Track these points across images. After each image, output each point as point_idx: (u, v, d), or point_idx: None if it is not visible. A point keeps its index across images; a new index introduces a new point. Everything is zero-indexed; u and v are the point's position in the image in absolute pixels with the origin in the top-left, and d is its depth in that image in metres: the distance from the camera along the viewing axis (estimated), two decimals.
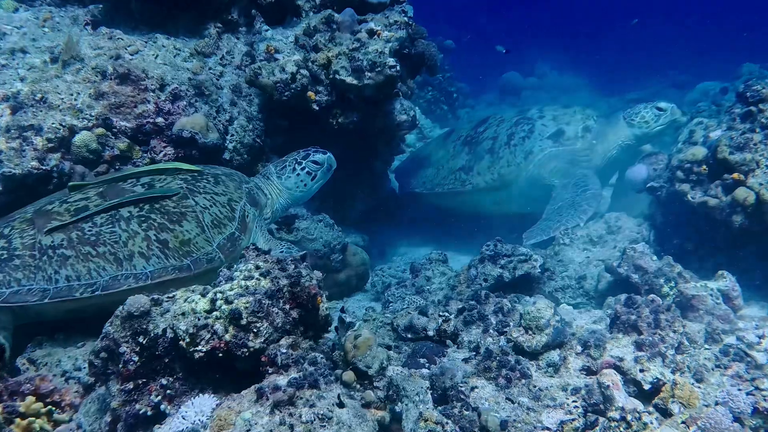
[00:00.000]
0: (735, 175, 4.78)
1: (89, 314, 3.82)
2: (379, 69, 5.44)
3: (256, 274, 3.19)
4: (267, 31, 5.87)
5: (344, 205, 7.05)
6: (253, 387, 2.89)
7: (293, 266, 3.31)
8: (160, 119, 5.04)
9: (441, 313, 3.96)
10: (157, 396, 3.06)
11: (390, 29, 5.65)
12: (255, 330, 3.03)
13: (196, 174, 4.46)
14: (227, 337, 3.01)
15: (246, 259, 3.41)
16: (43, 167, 4.65)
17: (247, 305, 3.04)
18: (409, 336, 3.99)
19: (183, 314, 3.07)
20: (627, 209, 6.47)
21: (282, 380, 2.89)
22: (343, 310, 3.40)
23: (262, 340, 3.04)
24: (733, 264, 5.20)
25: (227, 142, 5.44)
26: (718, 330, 4.05)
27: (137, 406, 3.03)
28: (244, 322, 3.02)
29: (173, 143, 5.07)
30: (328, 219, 6.19)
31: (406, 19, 5.92)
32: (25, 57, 5.07)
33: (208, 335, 3.01)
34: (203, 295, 3.13)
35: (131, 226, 3.93)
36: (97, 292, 3.71)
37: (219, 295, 3.09)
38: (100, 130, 4.84)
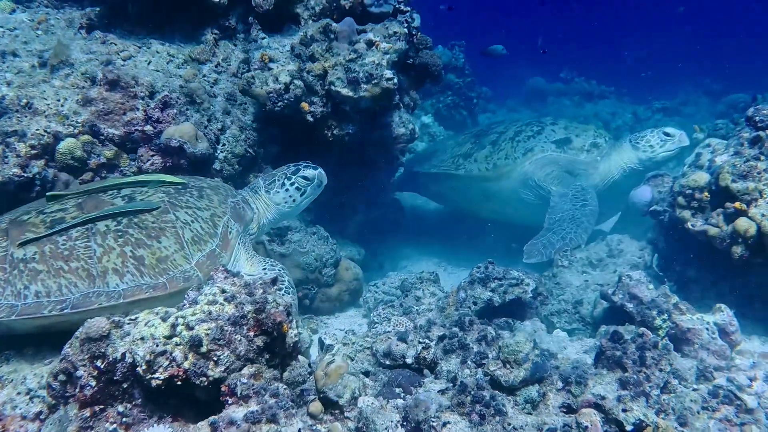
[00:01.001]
0: (737, 204, 4.59)
1: (62, 330, 3.72)
2: (375, 81, 5.30)
3: (221, 299, 3.07)
4: (263, 39, 5.75)
5: (342, 217, 6.92)
6: (207, 420, 2.77)
7: (261, 290, 3.18)
8: (148, 127, 4.95)
9: (421, 340, 3.82)
10: (112, 424, 2.94)
11: (389, 40, 5.52)
12: (215, 358, 2.90)
13: (179, 187, 4.35)
14: (186, 364, 2.89)
15: (213, 281, 3.29)
16: (25, 174, 4.57)
17: (209, 332, 2.91)
18: (388, 363, 3.85)
19: (142, 339, 2.95)
20: (633, 232, 6.32)
21: (239, 414, 2.76)
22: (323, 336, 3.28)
23: (223, 369, 2.92)
24: (736, 294, 5.02)
25: (218, 151, 5.34)
26: (710, 368, 3.87)
27: None
28: (204, 349, 2.89)
29: (161, 152, 4.97)
30: (322, 231, 6.07)
31: (406, 30, 5.78)
32: (15, 60, 4.99)
33: (167, 362, 2.89)
34: (164, 320, 3.01)
35: (107, 241, 3.83)
36: (66, 310, 3.60)
37: (180, 320, 2.97)
38: (85, 137, 4.76)
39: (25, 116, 4.68)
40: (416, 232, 9.03)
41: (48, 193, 4.12)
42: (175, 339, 2.93)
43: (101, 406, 2.99)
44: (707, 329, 4.19)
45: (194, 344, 2.89)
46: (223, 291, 3.13)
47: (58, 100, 4.80)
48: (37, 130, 4.63)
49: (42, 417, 3.41)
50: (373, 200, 7.24)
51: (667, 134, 6.72)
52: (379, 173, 6.78)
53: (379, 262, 7.76)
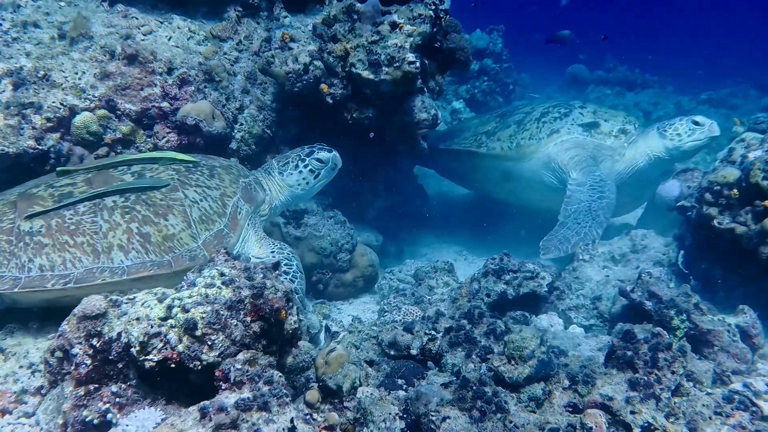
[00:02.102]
0: (766, 203, 4.40)
1: (68, 305, 3.70)
2: (397, 64, 5.18)
3: (218, 282, 3.00)
4: (286, 17, 5.66)
5: (362, 202, 6.82)
6: (198, 405, 2.71)
7: (261, 275, 3.11)
8: (165, 104, 4.91)
9: (427, 331, 3.73)
10: (106, 404, 2.91)
11: (413, 23, 5.38)
12: (210, 342, 2.85)
13: (191, 165, 4.30)
14: (180, 347, 2.84)
15: (213, 263, 3.22)
16: (40, 147, 4.56)
17: (204, 315, 2.85)
18: (392, 353, 3.77)
19: (137, 319, 2.91)
20: (658, 226, 6.13)
21: (229, 400, 2.70)
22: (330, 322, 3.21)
23: (217, 354, 2.85)
24: (764, 296, 4.82)
25: (235, 131, 5.28)
26: (728, 372, 3.72)
27: (84, 413, 2.88)
28: (198, 333, 2.84)
29: (177, 130, 4.94)
30: (339, 216, 5.99)
31: (431, 12, 5.62)
32: (36, 31, 4.96)
33: (161, 344, 2.84)
34: (160, 301, 2.96)
35: (114, 217, 3.79)
36: (69, 285, 3.58)
37: (176, 302, 2.91)
38: (102, 112, 4.73)
39: (43, 88, 4.66)
40: (440, 218, 8.89)
41: (58, 168, 4.10)
42: (170, 321, 2.87)
43: (96, 385, 2.96)
44: (728, 331, 4.03)
45: (189, 327, 2.83)
46: (222, 274, 3.06)
47: (76, 74, 4.77)
48: (54, 102, 4.61)
49: (43, 391, 3.40)
50: (395, 185, 7.12)
51: (696, 123, 6.46)
52: (401, 158, 6.66)
53: (398, 249, 7.65)
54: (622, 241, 5.81)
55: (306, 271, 5.64)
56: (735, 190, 4.68)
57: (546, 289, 4.81)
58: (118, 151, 4.84)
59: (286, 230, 5.66)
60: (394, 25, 5.34)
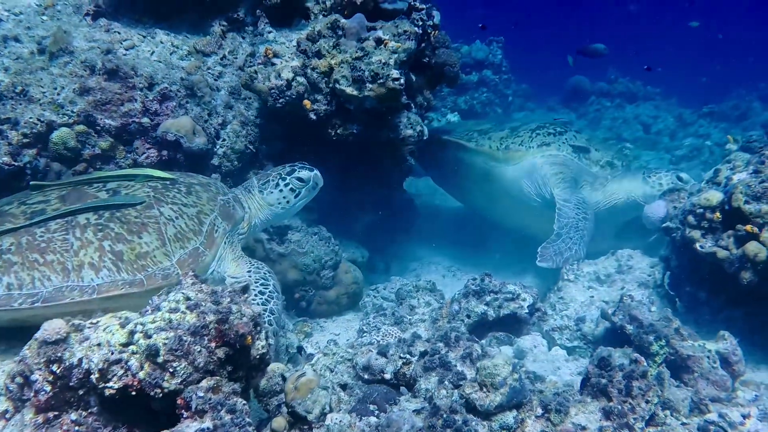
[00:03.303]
0: (748, 227, 4.35)
1: (37, 324, 3.63)
2: (381, 81, 5.13)
3: (183, 307, 2.94)
4: (270, 33, 5.62)
5: (349, 217, 6.77)
6: None
7: (228, 299, 3.05)
8: (145, 119, 4.86)
9: (402, 355, 3.67)
10: None
11: (398, 39, 5.33)
12: (171, 369, 2.77)
13: (168, 182, 4.24)
14: (141, 374, 2.76)
15: (180, 286, 3.16)
16: (16, 163, 4.51)
17: (166, 341, 2.78)
18: (366, 377, 3.71)
19: (98, 345, 2.84)
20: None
21: (189, 430, 2.63)
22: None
23: (179, 381, 2.78)
24: (749, 320, 4.77)
25: (217, 147, 5.23)
26: (706, 400, 3.66)
27: None
28: (160, 359, 2.77)
29: (157, 145, 4.89)
30: (324, 232, 5.93)
31: (417, 29, 5.58)
32: (16, 46, 4.92)
33: (121, 371, 2.77)
34: (122, 326, 2.89)
35: (86, 235, 3.74)
36: (36, 304, 3.51)
37: (139, 327, 2.85)
38: (80, 128, 4.68)
39: (20, 104, 4.61)
40: (430, 233, 8.84)
41: (32, 182, 4.05)
42: (131, 347, 2.80)
43: (56, 413, 2.89)
44: (708, 357, 3.97)
45: (151, 354, 2.76)
46: (188, 298, 2.99)
47: (55, 89, 4.72)
48: (31, 118, 4.57)
49: (8, 416, 3.33)
50: (383, 200, 7.06)
51: (680, 178, 6.57)
52: (388, 174, 6.61)
53: (386, 264, 7.59)
54: (608, 261, 5.77)
55: (289, 288, 5.60)
56: (717, 213, 4.64)
57: (527, 311, 4.74)
58: (98, 166, 4.79)
59: (269, 246, 5.61)
60: (379, 42, 5.29)
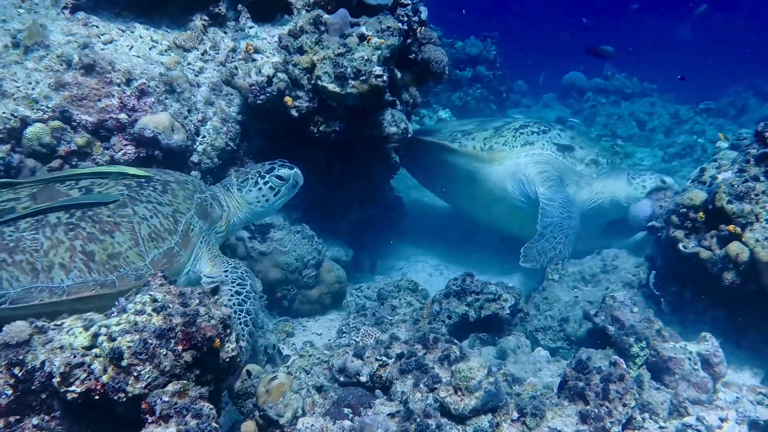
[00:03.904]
0: (731, 227, 4.29)
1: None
2: (363, 78, 5.05)
3: (149, 309, 2.86)
4: (251, 28, 5.54)
5: (334, 215, 6.69)
6: None
7: (197, 301, 2.97)
8: (123, 115, 4.78)
9: (378, 357, 3.60)
10: None
11: (381, 35, 5.26)
12: (135, 373, 2.70)
13: (142, 180, 4.15)
14: (105, 378, 2.69)
15: (148, 287, 3.08)
16: None
17: (131, 344, 2.71)
18: (342, 379, 3.64)
19: (61, 348, 2.77)
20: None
21: None
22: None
23: (144, 385, 2.71)
24: (732, 321, 4.71)
25: (197, 143, 5.15)
26: (686, 402, 3.61)
27: None
28: (124, 363, 2.69)
29: (135, 142, 4.81)
30: (307, 230, 5.85)
31: (401, 25, 5.51)
32: None
33: (84, 375, 2.70)
34: (86, 329, 2.81)
35: (56, 234, 3.65)
36: (4, 305, 3.43)
37: (103, 330, 2.77)
38: (55, 123, 4.60)
39: None
40: (418, 231, 8.77)
41: (0, 180, 3.96)
42: (95, 350, 2.73)
43: (17, 417, 2.81)
44: (689, 359, 3.91)
45: (115, 357, 2.69)
46: (155, 300, 2.92)
47: (30, 83, 4.64)
48: (4, 113, 4.48)
49: None
50: (369, 198, 6.99)
51: (663, 182, 6.55)
52: (373, 171, 6.53)
53: (372, 263, 7.51)
54: (593, 261, 5.72)
55: (271, 287, 5.53)
56: (701, 213, 4.58)
57: (508, 312, 4.68)
58: (74, 163, 4.71)
59: (250, 245, 5.53)
60: (362, 38, 5.22)
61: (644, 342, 3.95)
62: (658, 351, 3.95)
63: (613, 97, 17.78)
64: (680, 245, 4.67)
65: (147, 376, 2.72)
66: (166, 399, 2.70)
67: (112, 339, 2.73)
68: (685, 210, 4.71)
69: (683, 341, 4.09)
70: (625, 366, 3.38)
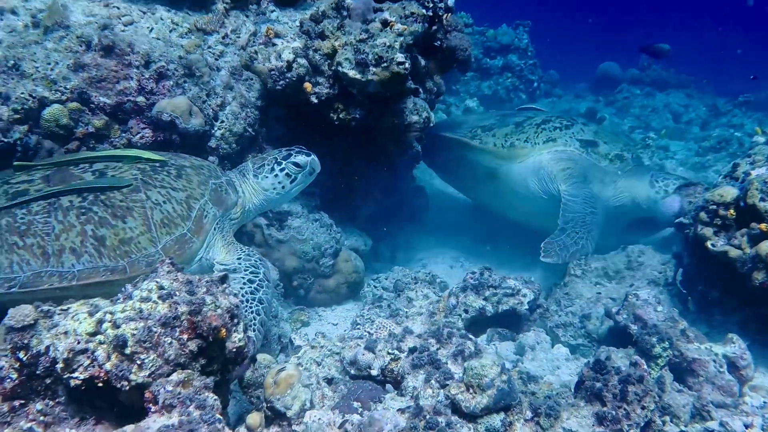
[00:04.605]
0: (762, 226, 4.13)
1: None
2: (385, 64, 4.94)
3: (155, 296, 2.80)
4: (273, 12, 5.45)
5: (354, 204, 6.60)
6: (120, 430, 2.52)
7: (204, 289, 2.91)
8: (141, 98, 4.73)
9: (390, 351, 3.53)
10: (30, 422, 2.73)
11: (405, 21, 5.13)
12: (139, 362, 2.64)
13: (157, 164, 4.10)
14: (108, 366, 2.64)
15: (155, 274, 3.02)
16: (5, 140, 4.38)
17: (135, 332, 2.65)
18: (353, 372, 3.57)
19: (65, 333, 2.72)
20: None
21: (153, 426, 2.50)
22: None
23: (147, 374, 2.65)
24: (761, 322, 4.55)
25: (215, 128, 5.08)
26: (709, 406, 3.48)
27: (6, 431, 2.71)
28: (128, 351, 2.64)
29: (152, 126, 4.75)
30: (325, 218, 5.78)
31: (426, 11, 5.38)
32: (11, 18, 4.79)
33: (87, 362, 2.65)
34: (91, 314, 2.76)
35: (68, 218, 3.61)
36: (13, 289, 3.40)
37: (107, 316, 2.72)
38: (74, 105, 4.56)
39: (12, 78, 4.49)
40: (440, 223, 8.66)
41: (15, 162, 3.93)
42: (99, 337, 2.68)
43: (22, 401, 2.78)
44: (714, 361, 3.78)
45: (119, 344, 2.64)
46: (161, 287, 2.86)
47: (48, 64, 4.59)
48: (22, 93, 4.44)
49: None
50: (390, 187, 6.89)
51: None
52: (394, 160, 6.42)
53: (391, 253, 7.42)
54: (618, 257, 5.57)
55: (287, 276, 5.47)
56: (732, 210, 4.41)
57: (527, 307, 4.57)
58: (91, 146, 4.67)
59: (268, 232, 5.47)
60: (385, 23, 5.10)
61: (667, 342, 3.82)
62: (682, 352, 3.82)
63: (649, 89, 17.37)
64: (709, 243, 4.51)
65: (150, 364, 2.66)
66: (170, 388, 2.64)
67: (116, 326, 2.68)
68: (714, 207, 4.55)
69: (709, 342, 3.96)
70: (646, 367, 3.27)
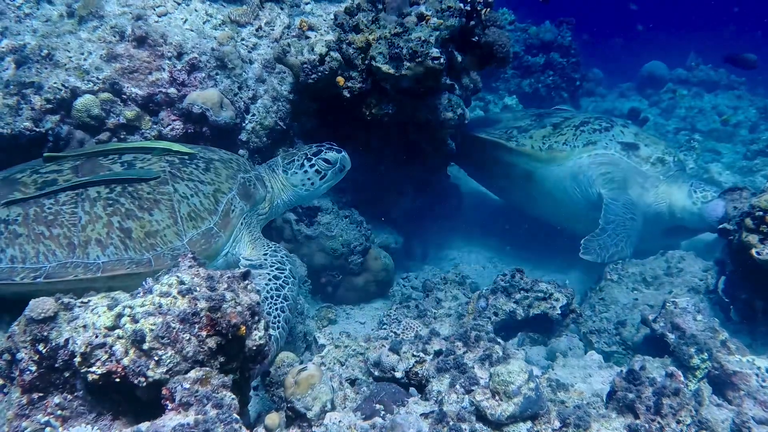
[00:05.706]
0: None
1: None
2: (419, 59, 4.84)
3: (175, 291, 2.74)
4: (307, 4, 5.39)
5: (385, 201, 6.50)
6: (133, 428, 2.47)
7: (225, 285, 2.85)
8: (172, 90, 4.71)
9: (416, 353, 3.43)
10: (47, 415, 2.70)
11: (441, 15, 5.03)
12: (157, 358, 2.59)
13: (186, 157, 4.06)
14: (125, 361, 2.59)
15: (177, 268, 2.97)
16: (37, 129, 4.40)
17: (153, 327, 2.60)
18: (377, 374, 3.48)
19: (84, 327, 2.68)
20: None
21: (168, 425, 2.45)
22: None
23: (165, 371, 2.60)
24: None
25: (246, 122, 5.04)
26: (750, 422, 3.31)
27: (24, 424, 2.68)
28: (146, 346, 2.59)
29: (183, 117, 4.73)
30: (356, 215, 5.70)
31: (464, 5, 5.26)
32: (47, 8, 4.81)
33: (105, 356, 2.61)
34: (110, 308, 2.72)
35: (95, 209, 3.59)
36: (39, 279, 3.39)
37: (126, 311, 2.67)
38: (105, 95, 4.56)
39: (45, 68, 4.51)
40: (474, 221, 8.52)
41: (45, 153, 3.92)
42: (117, 331, 2.63)
43: (40, 394, 2.75)
44: (757, 375, 3.60)
45: (137, 339, 2.59)
46: (181, 282, 2.80)
47: (82, 54, 4.60)
48: (55, 83, 4.45)
49: (5, 390, 3.22)
50: (423, 184, 6.78)
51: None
52: (428, 157, 6.31)
53: (423, 252, 7.31)
54: (657, 262, 5.39)
55: (315, 272, 5.41)
56: None
57: (559, 312, 4.44)
58: (122, 136, 4.66)
59: (297, 228, 5.41)
60: (420, 17, 5.00)
61: (706, 353, 3.67)
62: (722, 364, 3.65)
63: (696, 89, 16.91)
64: (754, 251, 4.32)
65: (168, 361, 2.61)
66: (187, 386, 2.58)
67: (135, 321, 2.63)
68: (761, 213, 4.35)
69: (751, 354, 3.78)
70: (682, 378, 3.12)
